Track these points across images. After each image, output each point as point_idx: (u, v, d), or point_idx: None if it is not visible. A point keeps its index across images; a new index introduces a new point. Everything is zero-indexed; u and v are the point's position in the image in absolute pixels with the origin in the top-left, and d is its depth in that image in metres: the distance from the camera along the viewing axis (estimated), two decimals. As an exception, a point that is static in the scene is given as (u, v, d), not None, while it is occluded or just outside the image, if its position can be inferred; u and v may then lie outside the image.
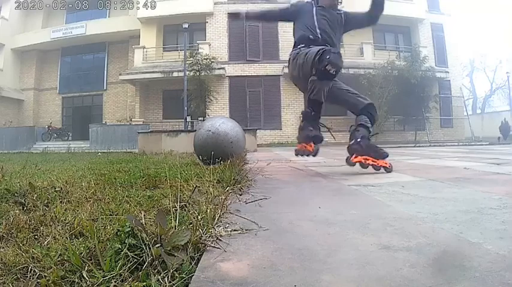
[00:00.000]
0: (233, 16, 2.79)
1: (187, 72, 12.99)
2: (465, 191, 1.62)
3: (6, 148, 12.31)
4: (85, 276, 0.69)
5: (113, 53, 18.04)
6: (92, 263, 0.73)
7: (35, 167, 2.93)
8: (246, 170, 2.24)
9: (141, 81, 15.03)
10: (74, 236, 0.97)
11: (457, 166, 2.93)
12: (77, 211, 1.26)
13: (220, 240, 0.89)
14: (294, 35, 2.59)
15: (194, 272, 0.70)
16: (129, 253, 0.74)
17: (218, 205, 1.17)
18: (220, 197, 1.32)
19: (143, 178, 2.07)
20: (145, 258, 0.73)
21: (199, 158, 3.28)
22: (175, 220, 0.94)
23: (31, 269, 0.75)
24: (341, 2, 2.71)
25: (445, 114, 15.74)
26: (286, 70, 14.37)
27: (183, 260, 0.75)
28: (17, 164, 3.36)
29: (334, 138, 2.65)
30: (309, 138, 2.45)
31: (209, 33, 15.30)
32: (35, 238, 0.98)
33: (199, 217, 0.99)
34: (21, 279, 0.73)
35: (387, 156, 2.39)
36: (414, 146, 9.68)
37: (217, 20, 15.40)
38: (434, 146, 10.14)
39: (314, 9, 2.51)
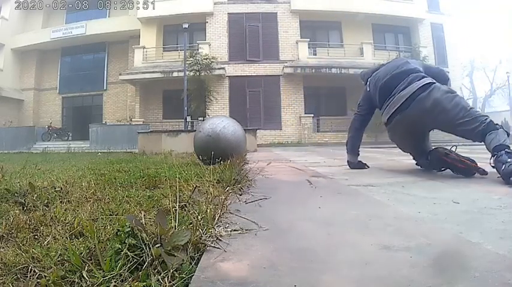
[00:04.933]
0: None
1: (187, 72, 12.99)
2: (465, 191, 1.62)
3: (6, 148, 12.29)
4: (85, 276, 0.69)
5: (113, 53, 18.03)
6: (92, 263, 0.73)
7: (35, 167, 2.93)
8: (246, 170, 2.24)
9: (141, 81, 15.03)
10: (74, 236, 0.97)
11: (457, 166, 2.92)
12: (77, 211, 1.26)
13: (220, 240, 0.89)
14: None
15: (194, 272, 0.70)
16: (129, 253, 0.74)
17: (218, 205, 1.17)
18: (220, 197, 1.32)
19: (143, 178, 2.07)
20: (145, 258, 0.73)
21: (199, 158, 3.28)
22: (175, 220, 0.94)
23: (31, 269, 0.75)
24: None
25: (445, 114, 15.72)
26: (286, 70, 14.54)
27: (183, 260, 0.75)
28: (17, 164, 3.35)
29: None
30: None
31: (209, 33, 15.30)
32: (35, 238, 0.98)
33: (199, 217, 0.99)
34: (21, 279, 0.73)
35: None
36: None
37: (217, 20, 15.39)
38: (434, 146, 10.09)
39: None
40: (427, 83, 2.17)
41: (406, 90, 2.22)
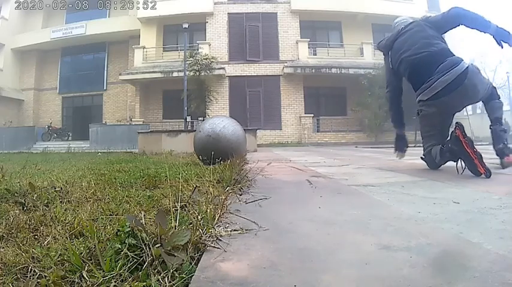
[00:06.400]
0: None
1: (187, 72, 12.99)
2: (465, 191, 1.62)
3: (6, 148, 12.29)
4: (85, 276, 0.69)
5: (113, 53, 18.04)
6: (92, 263, 0.73)
7: (35, 167, 2.94)
8: (246, 170, 2.24)
9: (141, 81, 15.04)
10: (74, 236, 0.97)
11: (457, 166, 2.93)
12: (77, 211, 1.26)
13: (220, 240, 0.89)
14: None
15: (194, 272, 0.70)
16: (129, 253, 0.74)
17: (218, 205, 1.17)
18: (220, 197, 1.32)
19: (143, 178, 2.07)
20: (145, 258, 0.73)
21: (199, 158, 3.28)
22: (175, 220, 0.94)
23: (31, 269, 0.75)
24: None
25: (445, 114, 15.74)
26: (286, 70, 14.54)
27: (183, 260, 0.75)
28: (17, 164, 3.35)
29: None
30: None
31: (209, 33, 15.30)
32: (35, 238, 0.98)
33: (199, 217, 0.99)
34: (21, 279, 0.73)
35: None
36: (414, 146, 9.63)
37: (217, 20, 15.40)
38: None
39: None
40: (466, 67, 2.41)
41: (449, 75, 2.37)
